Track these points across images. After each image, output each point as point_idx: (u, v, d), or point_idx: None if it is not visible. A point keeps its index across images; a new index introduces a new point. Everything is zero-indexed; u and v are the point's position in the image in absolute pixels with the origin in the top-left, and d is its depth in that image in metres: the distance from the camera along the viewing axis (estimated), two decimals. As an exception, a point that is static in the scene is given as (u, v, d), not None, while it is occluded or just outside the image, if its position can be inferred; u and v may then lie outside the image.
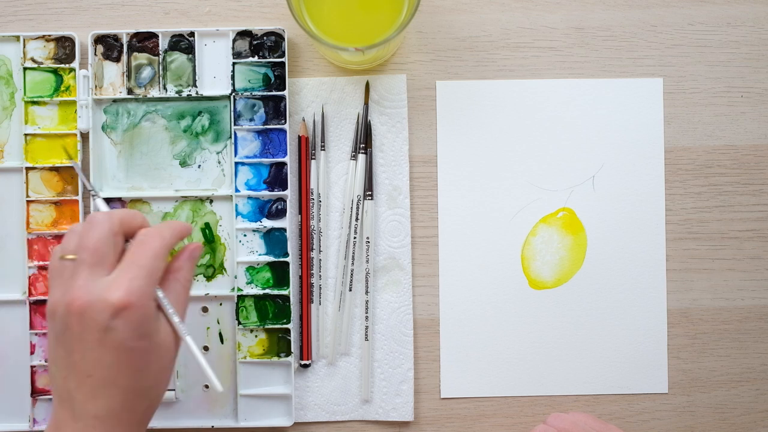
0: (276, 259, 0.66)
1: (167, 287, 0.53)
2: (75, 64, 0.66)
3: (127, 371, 0.50)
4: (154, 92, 0.66)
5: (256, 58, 0.66)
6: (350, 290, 0.67)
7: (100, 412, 0.49)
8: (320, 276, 0.67)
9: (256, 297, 0.66)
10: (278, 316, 0.66)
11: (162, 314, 0.52)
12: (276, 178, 0.66)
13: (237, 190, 0.66)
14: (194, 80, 0.66)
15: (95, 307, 0.49)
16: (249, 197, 0.66)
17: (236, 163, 0.66)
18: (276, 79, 0.66)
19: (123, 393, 0.50)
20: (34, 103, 0.66)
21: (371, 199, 0.67)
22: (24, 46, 0.66)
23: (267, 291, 0.66)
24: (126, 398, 0.50)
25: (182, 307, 0.54)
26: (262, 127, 0.66)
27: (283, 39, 0.66)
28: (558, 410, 0.68)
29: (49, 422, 0.51)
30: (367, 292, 0.67)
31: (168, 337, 0.52)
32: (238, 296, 0.66)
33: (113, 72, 0.66)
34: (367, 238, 0.67)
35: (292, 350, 0.66)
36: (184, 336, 0.53)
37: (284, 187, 0.66)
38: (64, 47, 0.66)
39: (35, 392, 0.65)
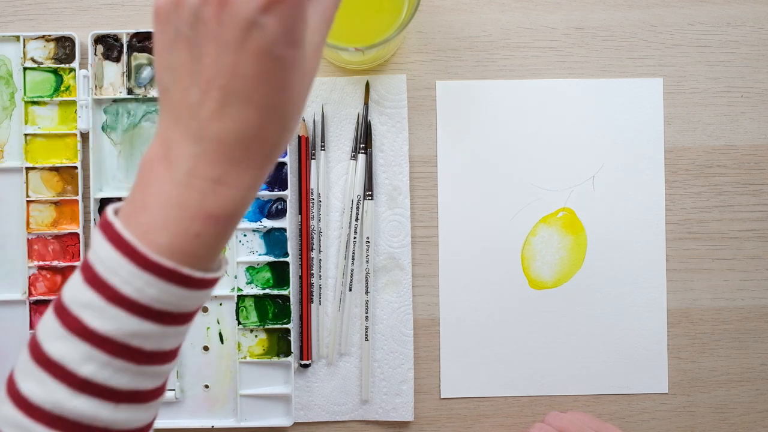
0: (276, 259, 0.66)
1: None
2: (75, 64, 0.66)
3: (267, 86, 0.39)
4: (154, 92, 0.66)
5: (256, 58, 0.66)
6: (350, 290, 0.67)
7: (226, 134, 0.39)
8: (320, 276, 0.67)
9: (256, 297, 0.66)
10: (278, 316, 0.66)
11: (309, 34, 0.40)
12: (276, 178, 0.66)
13: (237, 190, 0.66)
14: (194, 80, 0.66)
15: (248, 5, 0.37)
16: (249, 197, 0.66)
17: (236, 163, 0.66)
18: (276, 79, 0.66)
19: (258, 114, 0.39)
20: (34, 103, 0.66)
21: (371, 199, 0.67)
22: (24, 46, 0.66)
23: (267, 291, 0.66)
24: (260, 122, 0.39)
25: (327, 16, 0.41)
26: (262, 127, 0.66)
27: (283, 39, 0.66)
28: (558, 410, 0.68)
29: (153, 145, 0.41)
30: (367, 292, 0.67)
31: (314, 53, 0.40)
32: (238, 296, 0.66)
33: (113, 72, 0.66)
34: (367, 238, 0.67)
35: (292, 350, 0.66)
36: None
37: (284, 187, 0.66)
38: (64, 47, 0.66)
39: (35, 392, 0.65)
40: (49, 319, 0.40)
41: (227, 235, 0.41)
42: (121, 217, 0.40)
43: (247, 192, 0.40)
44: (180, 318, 0.41)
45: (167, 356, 0.42)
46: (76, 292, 0.40)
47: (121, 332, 0.39)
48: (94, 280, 0.39)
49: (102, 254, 0.39)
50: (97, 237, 0.40)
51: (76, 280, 0.40)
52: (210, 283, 0.41)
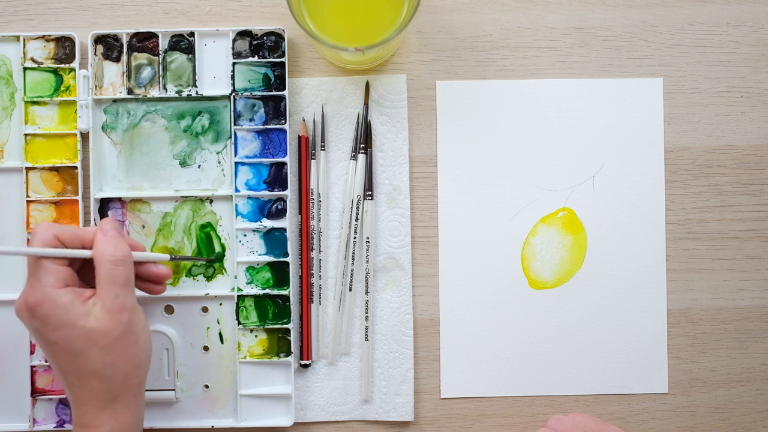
0: (276, 259, 0.66)
1: (96, 269, 0.56)
2: (75, 64, 0.66)
3: (66, 358, 0.55)
4: (154, 92, 0.66)
5: (256, 58, 0.66)
6: (350, 290, 0.67)
7: (73, 396, 0.56)
8: (320, 276, 0.67)
9: (256, 297, 0.66)
10: (278, 316, 0.66)
11: (98, 302, 0.55)
12: (276, 178, 0.66)
13: (237, 190, 0.66)
14: (194, 80, 0.66)
15: (21, 314, 0.56)
16: (249, 197, 0.66)
17: (236, 163, 0.66)
18: (276, 79, 0.66)
19: (77, 377, 0.55)
20: (34, 103, 0.66)
21: (371, 199, 0.67)
22: (24, 46, 0.66)
23: (267, 291, 0.66)
24: (81, 381, 0.55)
25: (107, 279, 0.55)
26: (262, 127, 0.66)
27: (283, 39, 0.66)
28: (558, 410, 0.68)
29: None
30: (367, 292, 0.67)
31: (102, 320, 0.54)
32: (238, 296, 0.66)
33: (113, 72, 0.66)
34: (367, 238, 0.67)
35: (292, 350, 0.66)
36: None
37: (284, 187, 0.66)
38: (64, 47, 0.66)
39: (35, 392, 0.65)
40: None
41: None
42: None
43: None
44: None
45: None
46: None
47: None
48: None
49: None
50: None
51: None
52: None
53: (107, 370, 0.55)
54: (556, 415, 0.63)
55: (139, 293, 0.66)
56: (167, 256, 0.61)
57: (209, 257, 0.67)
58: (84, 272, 0.58)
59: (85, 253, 0.56)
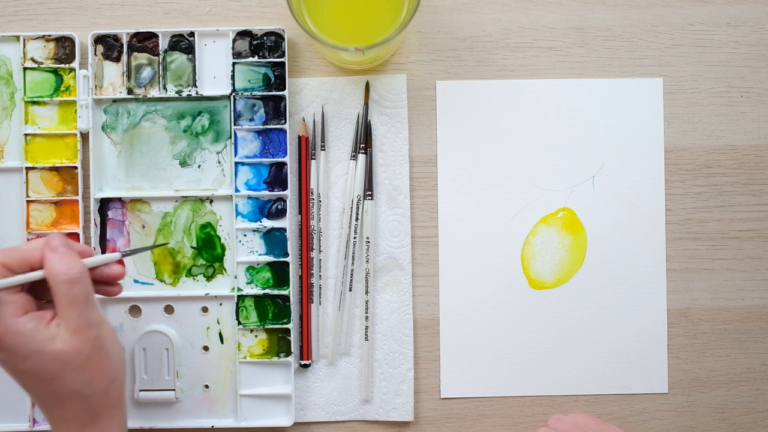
0: (276, 259, 0.66)
1: (52, 289, 0.53)
2: (75, 64, 0.66)
3: (40, 385, 0.53)
4: (154, 92, 0.66)
5: (256, 58, 0.66)
6: (350, 290, 0.67)
7: (53, 418, 0.55)
8: (320, 276, 0.67)
9: (256, 297, 0.66)
10: (278, 316, 0.66)
11: (61, 323, 0.53)
12: (276, 178, 0.66)
13: (237, 190, 0.66)
14: (194, 80, 0.66)
15: None
16: (249, 197, 0.66)
17: (236, 163, 0.66)
18: (276, 79, 0.66)
19: (56, 401, 0.54)
20: (34, 103, 0.66)
21: (371, 199, 0.67)
22: (24, 46, 0.66)
23: (267, 291, 0.66)
24: (60, 404, 0.54)
25: (66, 299, 0.52)
26: (262, 127, 0.66)
27: (283, 39, 0.66)
28: (558, 410, 0.68)
29: None
30: (367, 292, 0.67)
31: (70, 341, 0.52)
32: (238, 296, 0.66)
33: (113, 72, 0.66)
34: (367, 238, 0.67)
35: (292, 350, 0.66)
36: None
37: (284, 187, 0.66)
38: (64, 47, 0.66)
39: (35, 392, 0.65)
40: None
41: None
42: None
43: None
44: None
45: None
46: None
47: None
48: None
49: None
50: None
51: None
52: None
53: (86, 388, 0.53)
54: (556, 415, 0.63)
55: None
56: (118, 255, 0.58)
57: (158, 244, 0.66)
58: (36, 289, 0.55)
59: (37, 275, 0.53)
